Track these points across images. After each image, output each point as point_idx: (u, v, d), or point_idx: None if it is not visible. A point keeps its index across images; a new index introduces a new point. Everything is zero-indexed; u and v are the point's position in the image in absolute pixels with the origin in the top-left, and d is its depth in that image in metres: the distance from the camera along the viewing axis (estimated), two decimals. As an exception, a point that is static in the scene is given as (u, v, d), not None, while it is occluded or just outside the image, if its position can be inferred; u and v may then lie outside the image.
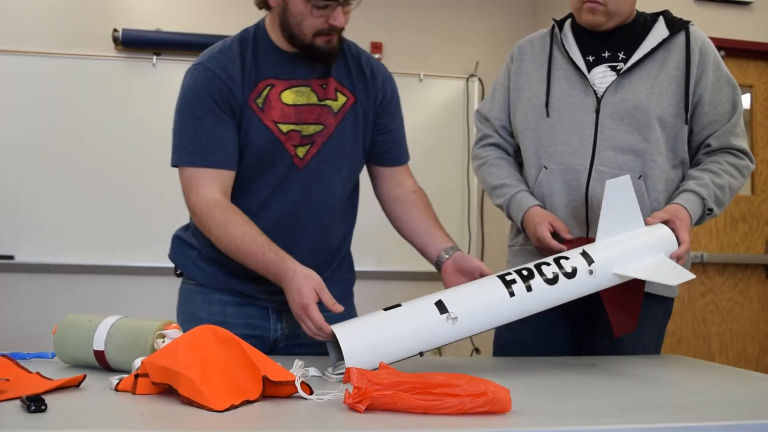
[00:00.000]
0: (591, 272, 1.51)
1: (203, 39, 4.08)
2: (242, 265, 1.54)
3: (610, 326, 1.74)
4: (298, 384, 1.13)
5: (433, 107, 4.41)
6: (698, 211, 1.74)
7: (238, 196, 1.61)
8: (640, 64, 1.82)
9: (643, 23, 1.88)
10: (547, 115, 1.88)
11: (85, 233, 4.01)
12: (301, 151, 1.62)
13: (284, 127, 1.60)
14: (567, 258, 1.52)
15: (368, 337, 1.37)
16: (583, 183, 1.81)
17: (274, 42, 1.63)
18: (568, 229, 1.77)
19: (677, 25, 1.85)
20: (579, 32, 1.92)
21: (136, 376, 1.17)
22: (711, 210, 1.75)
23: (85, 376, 1.21)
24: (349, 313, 1.77)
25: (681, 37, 1.84)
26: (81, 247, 4.00)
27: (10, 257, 3.97)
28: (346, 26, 1.59)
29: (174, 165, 1.61)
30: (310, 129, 1.62)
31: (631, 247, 1.58)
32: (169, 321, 1.36)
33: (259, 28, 1.66)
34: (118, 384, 1.19)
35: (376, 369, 1.31)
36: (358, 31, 1.69)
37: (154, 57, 4.14)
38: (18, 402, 1.05)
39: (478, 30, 4.65)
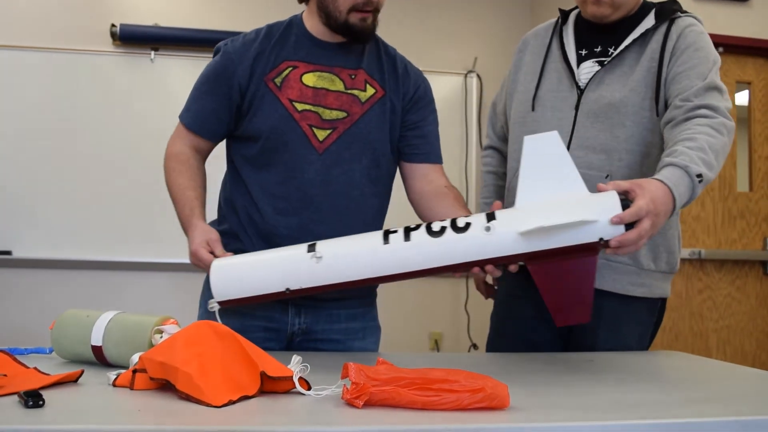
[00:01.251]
0: (488, 229, 1.35)
1: (201, 34, 4.08)
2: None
3: (588, 324, 1.74)
4: (296, 379, 1.13)
5: (431, 103, 4.40)
6: (683, 181, 1.46)
7: (261, 173, 1.67)
8: (621, 59, 1.77)
9: (642, 15, 1.81)
10: (533, 109, 1.87)
11: (83, 228, 4.01)
12: (320, 135, 1.65)
13: (299, 106, 1.65)
14: (467, 216, 1.42)
15: (238, 271, 1.47)
16: None
17: (308, 30, 1.71)
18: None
19: (664, 15, 1.77)
20: (580, 25, 1.89)
21: (134, 371, 1.17)
22: (701, 175, 1.48)
23: (83, 372, 1.21)
24: (372, 317, 1.80)
25: (664, 27, 1.76)
26: (79, 242, 4.00)
27: (8, 252, 3.97)
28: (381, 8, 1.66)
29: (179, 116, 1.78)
30: (333, 114, 1.66)
31: (549, 207, 1.34)
32: (167, 316, 1.36)
33: (295, 17, 1.74)
34: (116, 379, 1.18)
35: (245, 297, 1.45)
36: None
37: (152, 52, 4.14)
38: (16, 397, 1.05)
39: (477, 26, 4.65)
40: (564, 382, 1.37)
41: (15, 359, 1.27)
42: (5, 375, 1.16)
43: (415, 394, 1.04)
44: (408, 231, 1.40)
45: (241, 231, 1.68)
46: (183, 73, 4.08)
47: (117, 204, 4.04)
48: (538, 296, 1.86)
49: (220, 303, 1.48)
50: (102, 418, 1.01)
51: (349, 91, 1.68)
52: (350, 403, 1.05)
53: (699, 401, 1.21)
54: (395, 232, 1.41)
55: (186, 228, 1.64)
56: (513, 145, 1.93)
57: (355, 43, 1.69)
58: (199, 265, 1.57)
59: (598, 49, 1.82)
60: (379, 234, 1.43)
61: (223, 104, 1.69)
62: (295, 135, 1.64)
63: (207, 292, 1.75)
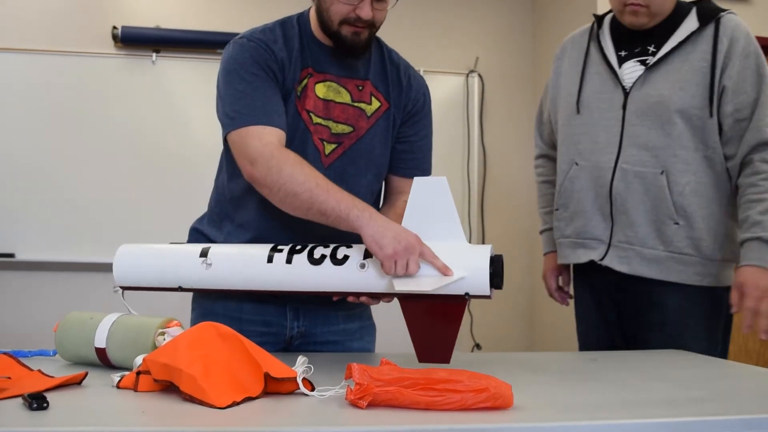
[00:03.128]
0: (363, 266, 1.40)
1: (203, 36, 4.08)
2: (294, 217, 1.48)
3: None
4: (299, 380, 1.14)
5: (433, 103, 4.38)
6: (762, 250, 1.73)
7: None
8: (667, 58, 1.82)
9: (678, 15, 1.86)
10: (578, 111, 1.92)
11: (86, 231, 4.01)
12: (327, 149, 1.61)
13: (315, 118, 1.59)
14: (350, 247, 1.44)
15: (138, 261, 1.57)
16: (607, 181, 1.85)
17: (314, 33, 1.63)
18: (569, 283, 2.09)
19: (708, 17, 1.83)
20: (615, 27, 1.94)
21: (138, 373, 1.17)
22: None
23: (86, 374, 1.21)
24: (368, 316, 1.79)
25: (711, 28, 1.81)
26: (82, 244, 4.00)
27: (11, 255, 3.97)
28: (381, 25, 1.59)
29: (228, 131, 1.53)
30: (339, 128, 1.61)
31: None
32: (171, 318, 1.36)
33: (302, 17, 1.65)
34: (119, 381, 1.19)
35: (142, 286, 1.54)
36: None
37: (154, 54, 4.14)
38: (20, 400, 1.05)
39: (479, 25, 4.65)
40: (568, 382, 1.37)
41: (19, 362, 1.27)
42: (9, 377, 1.16)
43: (419, 394, 1.04)
44: (292, 253, 1.46)
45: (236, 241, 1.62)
46: (185, 75, 4.08)
47: (120, 206, 4.04)
48: (600, 298, 1.98)
49: (122, 287, 1.58)
50: (106, 420, 1.01)
51: (355, 104, 1.63)
52: (354, 404, 1.05)
53: (703, 400, 1.21)
54: (280, 251, 1.47)
55: (369, 212, 1.40)
56: (561, 148, 2.00)
57: (346, 56, 1.61)
58: (411, 254, 1.34)
59: (638, 50, 1.87)
60: (267, 248, 1.48)
61: (279, 93, 1.54)
62: (309, 149, 1.59)
63: (199, 298, 1.73)
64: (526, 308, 4.57)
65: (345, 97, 1.62)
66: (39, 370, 1.24)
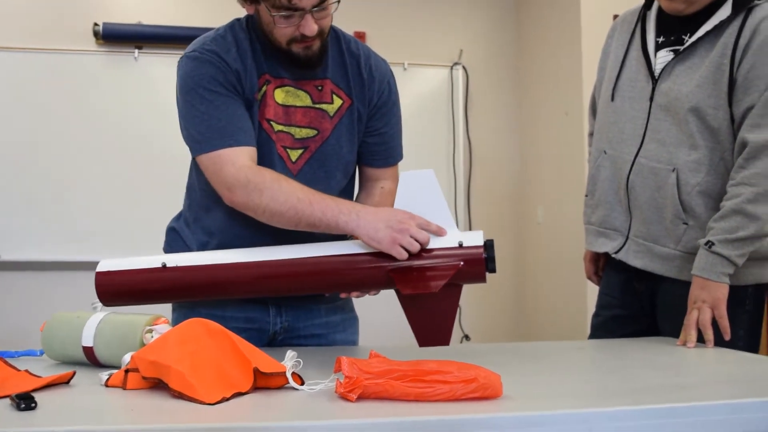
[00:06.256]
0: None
1: (185, 32, 4.06)
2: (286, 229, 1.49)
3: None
4: (289, 375, 1.13)
5: (417, 96, 4.41)
6: (702, 260, 1.63)
7: None
8: (695, 49, 1.72)
9: (720, 1, 1.71)
10: (612, 98, 1.87)
11: (71, 230, 3.99)
12: (293, 155, 1.57)
13: (276, 126, 1.56)
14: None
15: (121, 260, 1.53)
16: (625, 174, 1.82)
17: (265, 38, 1.57)
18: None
19: (742, 4, 1.68)
20: (661, 10, 1.83)
21: (126, 371, 1.16)
22: (709, 243, 1.63)
23: (74, 373, 1.20)
24: (350, 308, 1.78)
25: (740, 19, 1.67)
26: (67, 244, 3.98)
27: (-4, 255, 3.95)
28: (329, 29, 1.54)
29: (196, 154, 1.51)
30: (303, 132, 1.58)
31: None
32: (158, 316, 1.36)
33: (252, 19, 1.58)
34: (108, 380, 1.18)
35: (128, 290, 1.50)
36: (341, 21, 1.67)
37: (136, 51, 4.12)
38: (7, 400, 1.04)
39: (462, 18, 4.65)
40: (557, 371, 1.37)
41: (6, 362, 1.26)
42: (-4, 378, 1.15)
43: (409, 386, 1.04)
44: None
45: (216, 241, 1.60)
46: (167, 71, 4.03)
47: (105, 204, 4.02)
48: (623, 282, 1.91)
49: (100, 293, 1.53)
50: (95, 418, 1.01)
51: (316, 106, 1.59)
52: (344, 397, 1.05)
53: (692, 386, 1.22)
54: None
55: (359, 209, 1.42)
56: (595, 134, 1.96)
57: (303, 69, 1.55)
58: (414, 232, 1.36)
59: (673, 37, 1.78)
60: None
61: (245, 109, 1.51)
62: (274, 158, 1.55)
63: None
64: (513, 299, 4.59)
65: (305, 100, 1.58)
66: (26, 370, 1.23)
